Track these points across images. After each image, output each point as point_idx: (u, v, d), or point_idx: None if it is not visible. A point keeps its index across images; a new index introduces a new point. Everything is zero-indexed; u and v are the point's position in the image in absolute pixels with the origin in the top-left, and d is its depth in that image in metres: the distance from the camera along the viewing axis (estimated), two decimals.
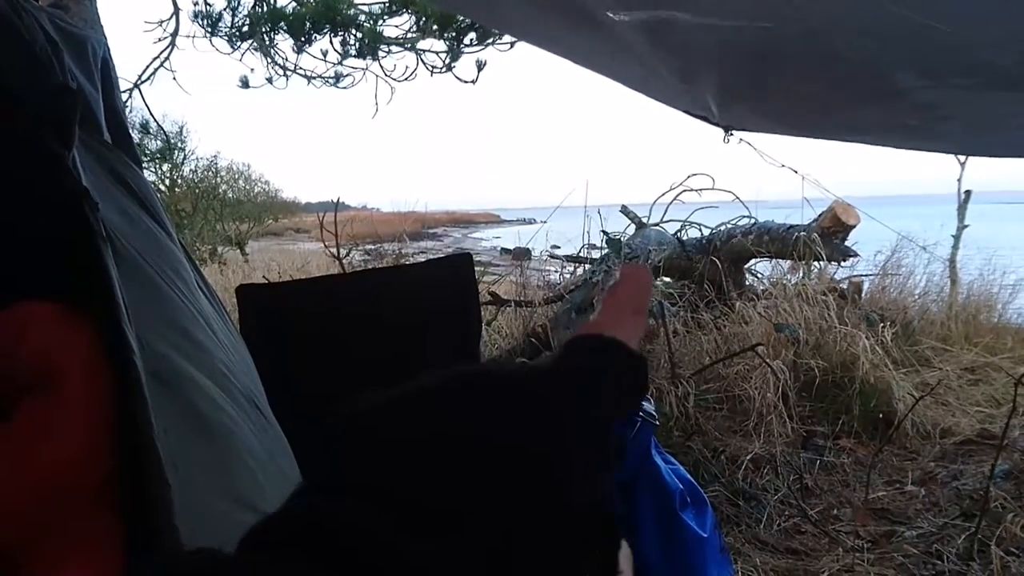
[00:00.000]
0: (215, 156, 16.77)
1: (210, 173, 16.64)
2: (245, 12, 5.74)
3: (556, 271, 7.24)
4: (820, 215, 5.99)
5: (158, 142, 10.33)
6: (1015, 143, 2.49)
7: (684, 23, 1.71)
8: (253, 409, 0.85)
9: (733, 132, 2.57)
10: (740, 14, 1.58)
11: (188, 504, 0.60)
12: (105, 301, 0.68)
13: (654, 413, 2.48)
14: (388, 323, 1.93)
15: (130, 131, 1.12)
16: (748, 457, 3.94)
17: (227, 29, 5.70)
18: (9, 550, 0.55)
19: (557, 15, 1.93)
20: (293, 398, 1.15)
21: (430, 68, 6.07)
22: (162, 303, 0.82)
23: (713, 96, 2.29)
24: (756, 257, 6.17)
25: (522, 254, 8.28)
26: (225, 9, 5.63)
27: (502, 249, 13.69)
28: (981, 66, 1.64)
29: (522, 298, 6.15)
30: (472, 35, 5.80)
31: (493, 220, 42.96)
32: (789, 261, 5.98)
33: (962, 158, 7.54)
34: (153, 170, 13.31)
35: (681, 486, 2.40)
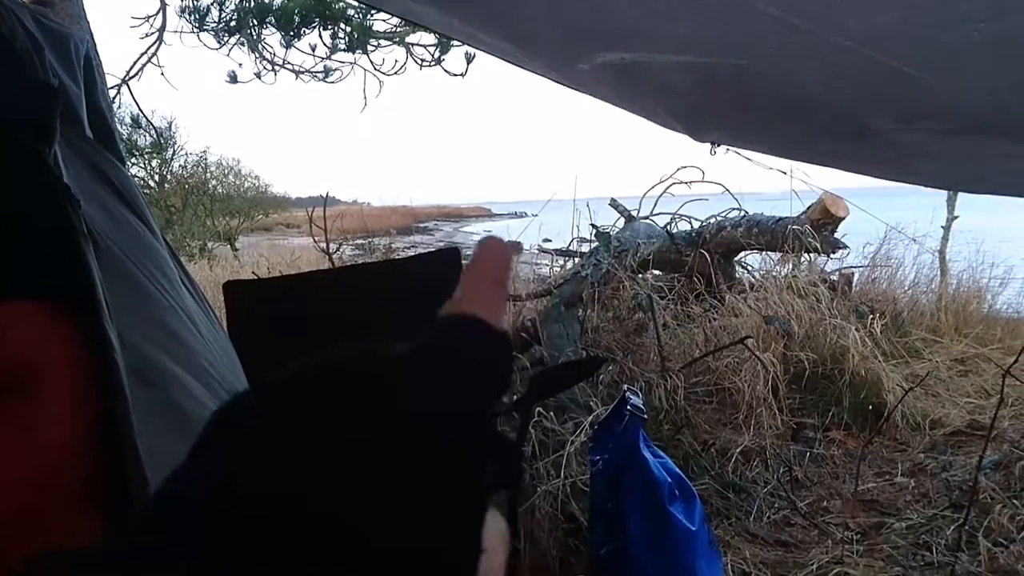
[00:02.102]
0: (204, 151, 16.75)
1: (200, 168, 16.62)
2: (233, 7, 5.71)
3: (547, 264, 7.23)
4: (809, 207, 6.01)
5: (148, 138, 10.31)
6: (992, 181, 2.50)
7: (657, 63, 1.71)
8: None
9: (719, 144, 2.59)
10: (714, 51, 1.58)
11: None
12: (86, 299, 0.67)
13: (642, 407, 2.49)
14: (375, 318, 1.92)
15: (114, 128, 1.11)
16: (738, 450, 3.95)
17: (214, 24, 5.68)
18: None
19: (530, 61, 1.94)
20: None
21: (419, 62, 6.06)
22: (145, 301, 0.82)
23: (684, 127, 2.32)
24: (746, 250, 6.18)
25: (513, 248, 8.25)
26: (212, 4, 5.61)
27: None
28: (954, 112, 1.64)
29: (512, 292, 6.14)
30: None
31: (484, 214, 42.84)
32: (779, 253, 6.00)
33: None
34: (142, 165, 13.30)
35: (670, 479, 2.41)
